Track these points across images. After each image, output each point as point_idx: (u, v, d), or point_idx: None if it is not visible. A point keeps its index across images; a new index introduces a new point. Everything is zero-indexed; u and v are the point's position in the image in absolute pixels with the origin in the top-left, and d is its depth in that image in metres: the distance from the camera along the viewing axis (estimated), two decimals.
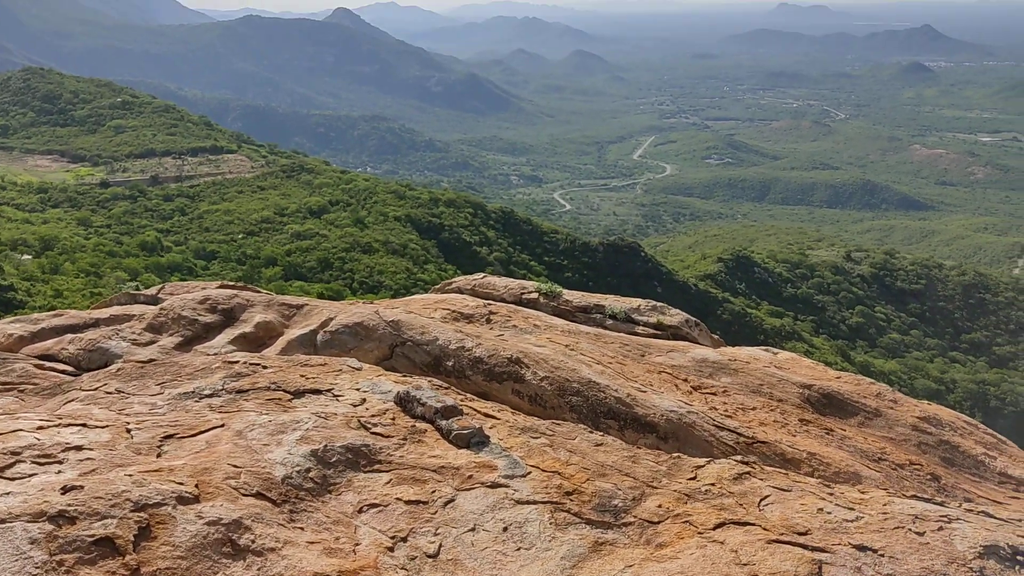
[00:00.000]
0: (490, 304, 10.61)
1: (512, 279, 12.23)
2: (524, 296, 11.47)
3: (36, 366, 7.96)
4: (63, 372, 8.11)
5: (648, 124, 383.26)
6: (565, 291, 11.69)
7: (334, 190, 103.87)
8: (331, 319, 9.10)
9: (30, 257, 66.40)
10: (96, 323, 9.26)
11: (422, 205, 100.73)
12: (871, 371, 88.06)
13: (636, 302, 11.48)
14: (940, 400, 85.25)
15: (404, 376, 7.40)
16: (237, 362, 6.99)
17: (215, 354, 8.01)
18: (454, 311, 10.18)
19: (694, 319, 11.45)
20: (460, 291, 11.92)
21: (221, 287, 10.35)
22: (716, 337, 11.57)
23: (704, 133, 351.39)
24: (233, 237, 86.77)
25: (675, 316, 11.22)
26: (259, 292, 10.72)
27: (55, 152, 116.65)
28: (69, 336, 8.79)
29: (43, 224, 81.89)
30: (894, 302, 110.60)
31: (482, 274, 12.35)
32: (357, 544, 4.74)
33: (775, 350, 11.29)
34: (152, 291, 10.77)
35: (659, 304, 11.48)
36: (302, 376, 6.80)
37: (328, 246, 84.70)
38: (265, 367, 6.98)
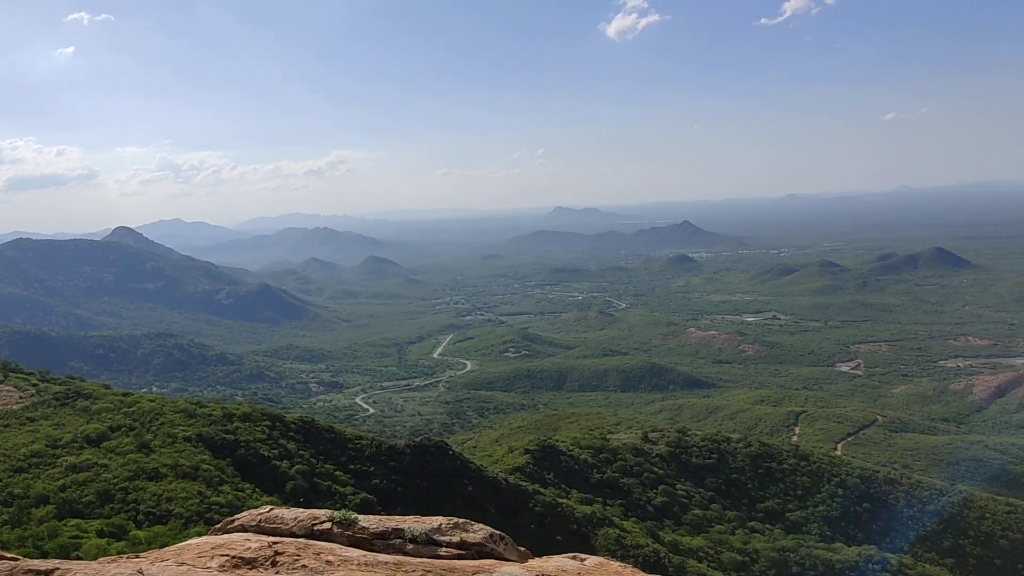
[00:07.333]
0: (277, 542, 9.66)
1: (302, 509, 11.30)
2: (316, 527, 10.59)
3: None
4: None
5: (445, 323, 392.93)
6: (361, 517, 10.92)
7: (115, 415, 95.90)
8: None
9: None
10: None
11: (215, 422, 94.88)
12: (680, 549, 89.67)
13: (437, 521, 10.90)
14: (747, 572, 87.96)
15: None
16: None
17: None
18: (234, 556, 9.13)
19: (499, 533, 10.99)
20: (244, 528, 10.83)
21: None
22: (523, 550, 11.12)
23: (500, 328, 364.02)
24: None
25: (478, 532, 10.72)
26: (3, 558, 9.21)
27: None
28: None
29: None
30: (692, 478, 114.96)
31: (268, 507, 11.34)
32: None
33: (583, 556, 10.96)
34: None
35: (461, 521, 10.96)
36: None
37: (108, 476, 76.94)
38: None
